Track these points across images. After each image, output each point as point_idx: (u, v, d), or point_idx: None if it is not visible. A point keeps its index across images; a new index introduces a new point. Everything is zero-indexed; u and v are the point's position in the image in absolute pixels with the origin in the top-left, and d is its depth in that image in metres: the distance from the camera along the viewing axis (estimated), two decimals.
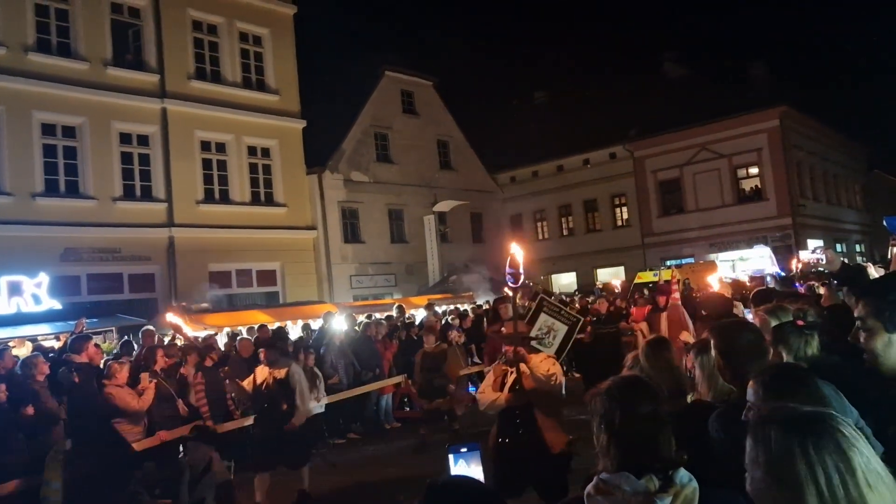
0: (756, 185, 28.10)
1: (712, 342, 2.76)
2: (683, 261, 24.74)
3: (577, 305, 15.11)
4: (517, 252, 4.75)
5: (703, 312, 5.43)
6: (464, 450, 1.94)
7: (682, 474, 1.78)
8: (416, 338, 12.19)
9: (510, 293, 6.47)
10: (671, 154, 29.20)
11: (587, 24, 65.15)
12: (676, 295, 10.78)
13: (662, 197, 30.14)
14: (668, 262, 25.89)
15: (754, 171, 28.07)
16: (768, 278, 9.90)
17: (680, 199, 29.58)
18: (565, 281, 32.19)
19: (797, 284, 10.63)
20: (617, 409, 1.84)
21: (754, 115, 26.75)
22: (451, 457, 1.92)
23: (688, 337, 8.76)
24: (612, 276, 29.32)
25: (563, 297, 18.02)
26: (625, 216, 31.78)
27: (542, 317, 5.93)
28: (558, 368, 4.75)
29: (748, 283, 13.00)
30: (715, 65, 32.77)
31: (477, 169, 31.11)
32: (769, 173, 27.35)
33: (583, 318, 6.32)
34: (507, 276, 4.86)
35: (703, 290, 12.43)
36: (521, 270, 4.81)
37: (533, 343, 5.39)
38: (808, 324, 3.40)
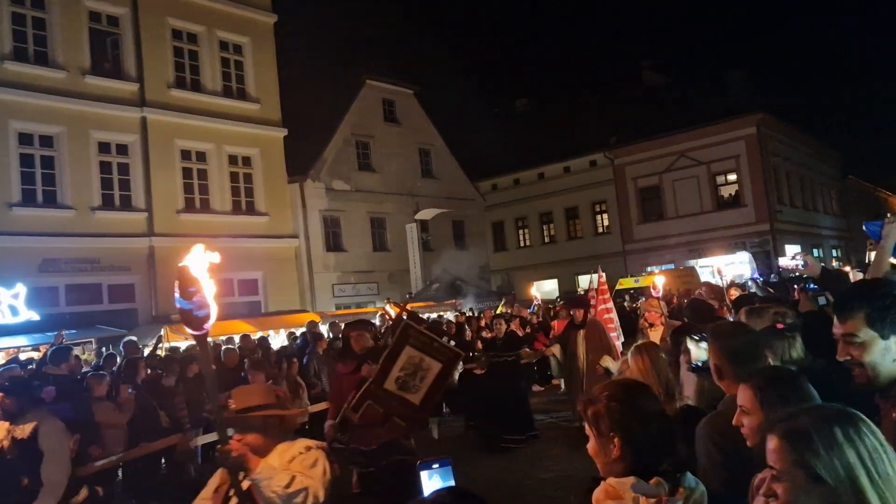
0: (734, 192, 28.46)
1: (709, 344, 2.73)
2: (664, 266, 24.91)
3: (507, 310, 13.69)
4: (194, 272, 2.52)
5: (686, 319, 5.42)
6: (435, 465, 1.89)
7: (690, 478, 1.78)
8: None
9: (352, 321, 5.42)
10: (651, 161, 29.51)
11: (567, 33, 65.73)
12: (610, 305, 9.37)
13: (643, 204, 30.42)
14: (649, 269, 26.10)
15: (732, 177, 28.44)
16: (749, 283, 9.78)
17: (660, 206, 29.87)
18: (547, 288, 32.30)
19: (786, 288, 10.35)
20: (623, 414, 1.84)
21: (732, 122, 27.13)
22: (422, 473, 1.86)
23: (608, 361, 7.72)
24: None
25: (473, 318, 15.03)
26: (606, 223, 32.03)
27: (408, 351, 4.60)
28: (317, 475, 2.74)
29: (702, 292, 12.36)
30: (693, 73, 33.24)
31: (458, 177, 31.16)
32: (747, 180, 27.72)
33: (462, 353, 4.83)
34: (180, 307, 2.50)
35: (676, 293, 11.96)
36: (205, 297, 2.49)
37: (393, 388, 4.33)
38: (787, 326, 3.44)
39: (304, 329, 14.00)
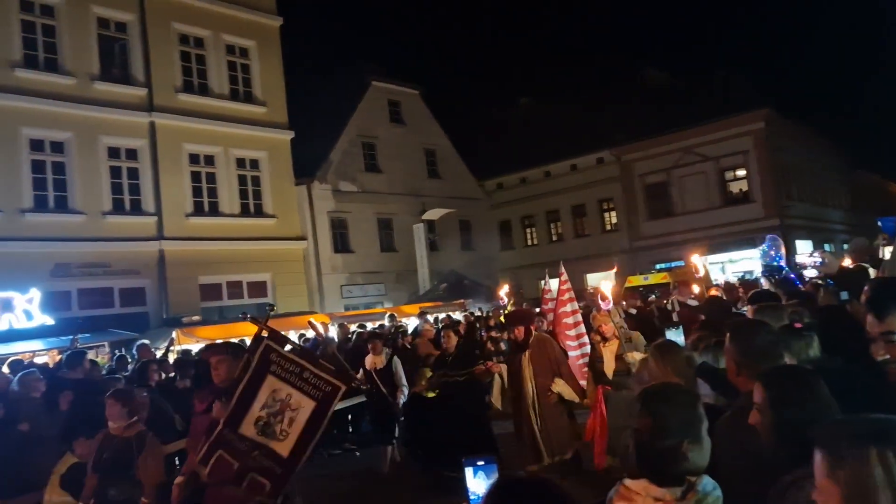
0: (743, 188, 28.35)
1: (728, 341, 2.68)
2: (673, 264, 24.84)
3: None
4: None
5: (702, 317, 5.39)
6: (480, 462, 1.90)
7: (706, 482, 1.79)
8: (409, 346, 12.17)
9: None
10: (657, 158, 29.43)
11: (570, 31, 65.65)
12: (573, 307, 7.84)
13: (650, 201, 30.33)
14: (658, 266, 26.06)
15: (741, 173, 28.33)
16: (762, 279, 9.45)
17: (668, 203, 29.77)
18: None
19: (798, 283, 9.94)
20: (641, 416, 1.85)
21: (739, 117, 27.02)
22: (468, 470, 1.87)
23: (560, 386, 6.44)
24: (601, 281, 29.44)
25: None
26: (613, 220, 31.96)
27: (271, 383, 3.52)
28: None
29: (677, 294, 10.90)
30: (698, 69, 33.13)
31: (464, 176, 31.21)
32: (755, 175, 27.60)
33: (344, 386, 3.63)
34: None
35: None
36: None
37: (252, 433, 3.42)
38: (805, 325, 3.43)
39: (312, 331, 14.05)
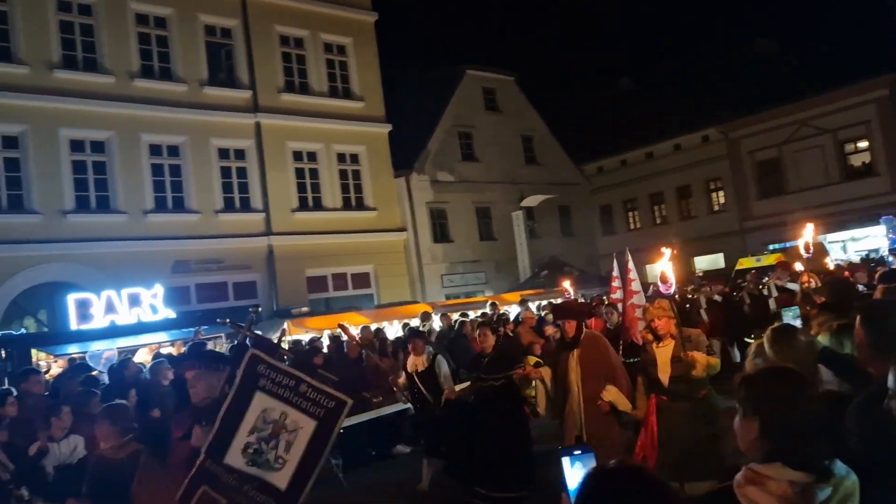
0: (866, 161, 26.32)
1: (858, 322, 2.52)
2: (788, 244, 23.43)
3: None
4: None
5: (822, 299, 5.03)
6: (577, 452, 1.88)
7: (840, 466, 1.71)
8: (511, 334, 12.17)
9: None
10: (768, 133, 27.81)
11: (670, 4, 62.94)
12: (634, 300, 6.88)
13: (761, 178, 28.73)
14: (771, 247, 24.65)
15: (863, 145, 26.30)
16: (891, 258, 8.67)
17: (781, 180, 28.11)
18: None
19: None
20: (769, 398, 1.78)
21: (859, 85, 25.04)
22: (565, 460, 1.86)
23: (613, 394, 5.58)
24: (710, 265, 28.23)
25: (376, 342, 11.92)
26: (721, 201, 30.55)
27: (261, 401, 3.07)
28: None
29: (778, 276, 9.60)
30: (810, 37, 30.88)
31: (563, 162, 30.76)
32: (880, 147, 25.52)
33: (351, 400, 3.19)
34: None
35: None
36: None
37: (240, 464, 2.99)
38: None
39: (418, 319, 14.34)
